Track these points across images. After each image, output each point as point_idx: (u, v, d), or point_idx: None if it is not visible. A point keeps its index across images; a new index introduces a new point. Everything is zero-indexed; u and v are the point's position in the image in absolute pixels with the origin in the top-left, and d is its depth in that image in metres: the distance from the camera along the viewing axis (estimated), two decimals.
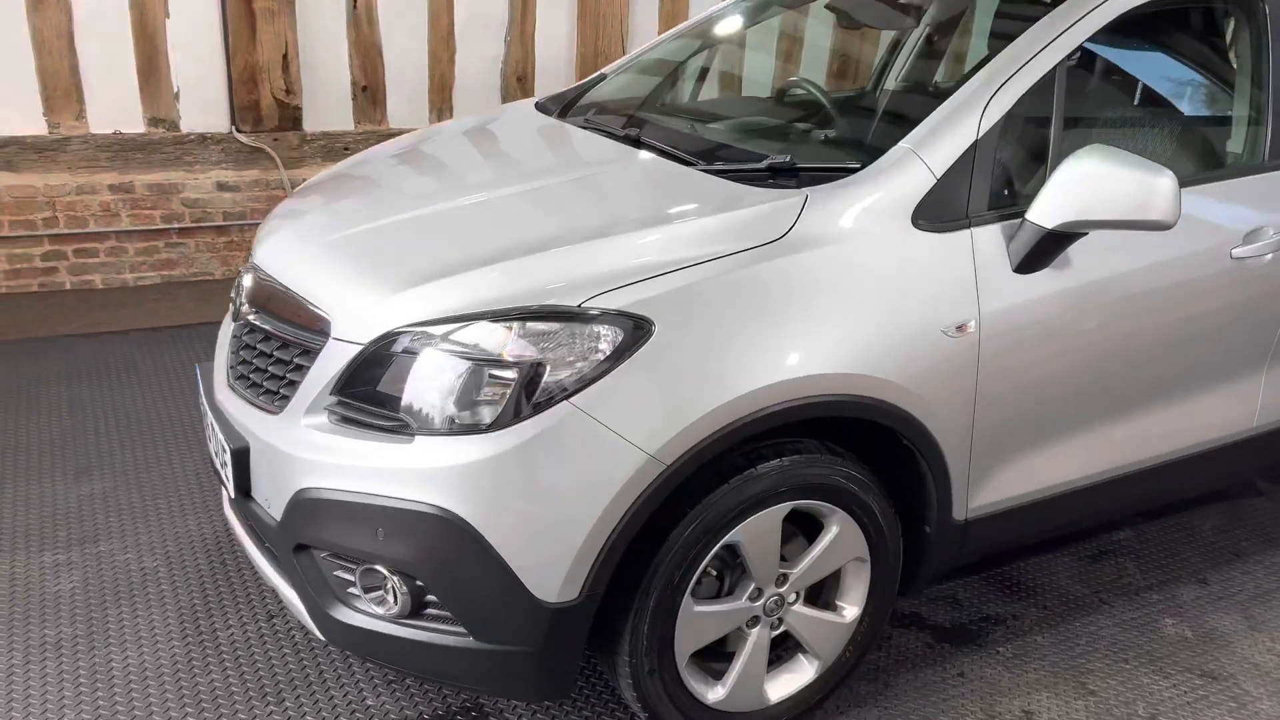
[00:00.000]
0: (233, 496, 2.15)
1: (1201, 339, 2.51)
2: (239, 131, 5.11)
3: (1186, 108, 2.74)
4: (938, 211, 2.14)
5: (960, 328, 2.12)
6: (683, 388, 1.87)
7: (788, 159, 2.24)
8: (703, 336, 1.89)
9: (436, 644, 1.93)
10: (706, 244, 1.98)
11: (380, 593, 1.96)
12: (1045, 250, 2.17)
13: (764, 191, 2.12)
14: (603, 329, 1.86)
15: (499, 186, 2.34)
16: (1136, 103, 2.70)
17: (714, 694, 2.14)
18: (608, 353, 1.85)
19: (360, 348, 1.93)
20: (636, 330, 1.86)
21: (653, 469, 1.84)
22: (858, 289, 2.03)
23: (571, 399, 1.82)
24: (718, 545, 2.00)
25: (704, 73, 3.33)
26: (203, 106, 5.06)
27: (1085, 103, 2.58)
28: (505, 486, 1.83)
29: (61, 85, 4.77)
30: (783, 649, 2.27)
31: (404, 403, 1.88)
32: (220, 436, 2.17)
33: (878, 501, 2.16)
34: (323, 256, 2.15)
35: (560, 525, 1.84)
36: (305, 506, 1.95)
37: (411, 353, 1.89)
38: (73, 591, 2.59)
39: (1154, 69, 2.61)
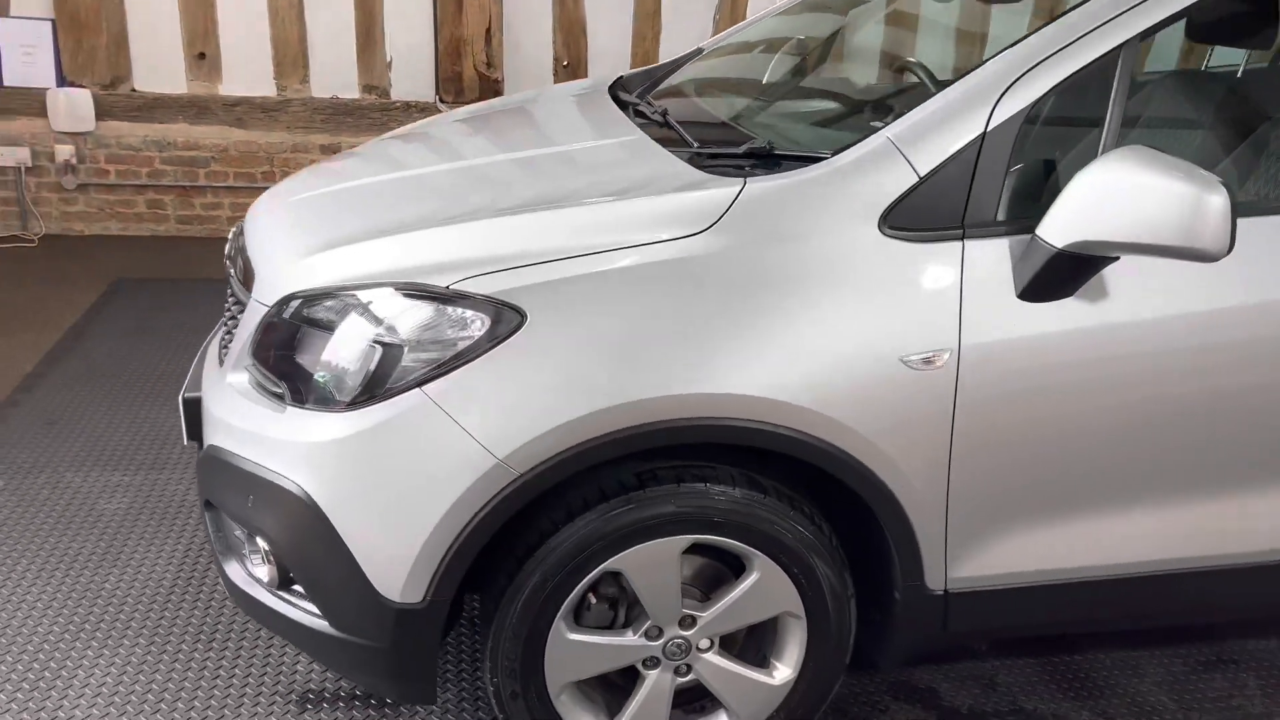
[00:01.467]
0: (185, 443, 2.21)
1: None
2: (441, 101, 5.33)
3: None
4: (921, 216, 1.77)
5: (929, 359, 1.74)
6: (546, 390, 1.67)
7: (767, 144, 1.95)
8: (580, 334, 1.68)
9: (301, 623, 1.88)
10: (615, 231, 1.76)
11: (260, 559, 1.94)
12: (1059, 275, 1.74)
13: (706, 178, 1.86)
14: (470, 315, 1.70)
15: (475, 157, 2.23)
16: (1230, 105, 2.10)
17: None
18: (472, 341, 1.69)
19: (266, 310, 1.90)
20: (504, 320, 1.69)
21: (502, 475, 1.67)
22: (788, 299, 1.72)
23: (425, 386, 1.69)
24: (596, 570, 1.79)
25: (811, 50, 3.01)
26: (411, 76, 5.33)
27: (1159, 99, 2.04)
28: (352, 471, 1.73)
29: (290, 52, 5.20)
30: (708, 700, 2.01)
31: (280, 371, 1.84)
32: (186, 382, 2.23)
33: (816, 550, 1.84)
34: (273, 217, 2.14)
35: (403, 521, 1.71)
36: (208, 463, 1.96)
37: (295, 320, 1.84)
38: (114, 512, 2.80)
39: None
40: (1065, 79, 1.79)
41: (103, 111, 5.08)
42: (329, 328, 1.78)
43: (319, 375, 1.77)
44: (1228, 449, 1.90)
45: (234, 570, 1.99)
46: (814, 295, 1.73)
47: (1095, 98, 1.83)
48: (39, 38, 5.00)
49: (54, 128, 5.04)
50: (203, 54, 5.14)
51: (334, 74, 5.27)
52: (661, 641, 1.89)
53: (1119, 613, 2.05)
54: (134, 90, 5.14)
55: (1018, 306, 1.77)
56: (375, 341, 1.72)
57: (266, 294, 1.92)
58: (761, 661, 1.98)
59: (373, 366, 1.72)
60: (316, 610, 1.85)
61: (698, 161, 1.97)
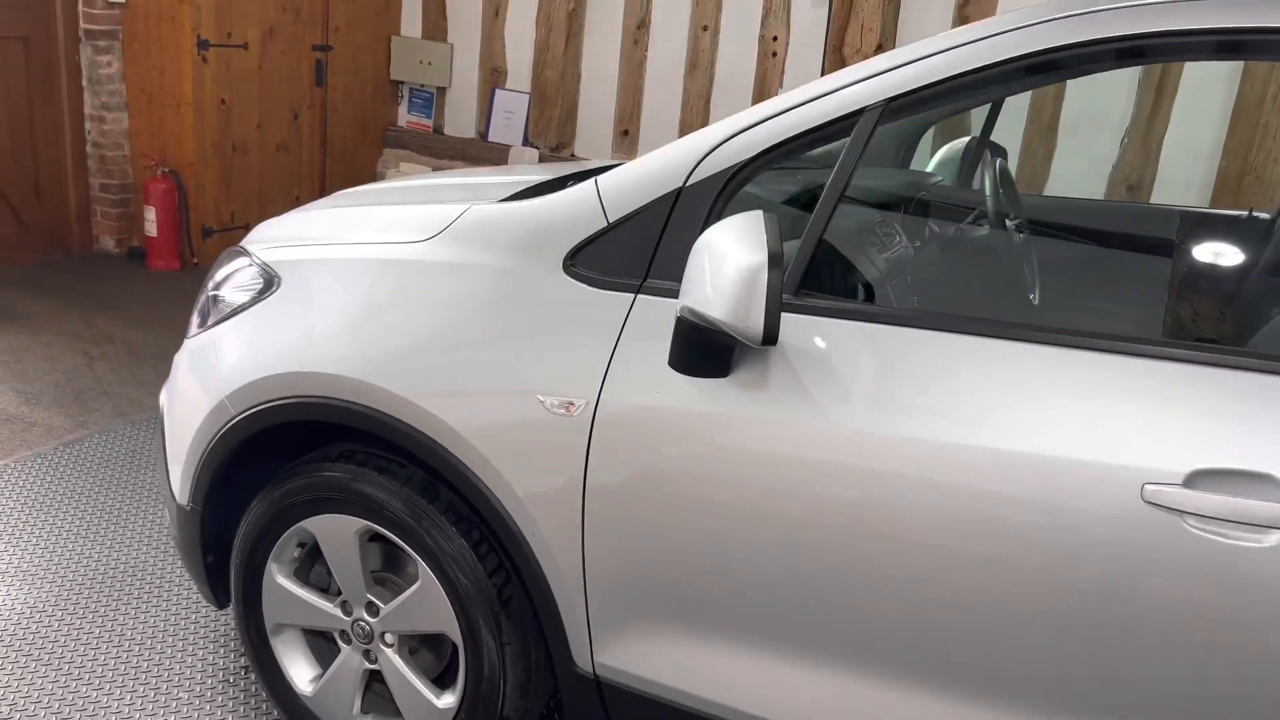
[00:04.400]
0: None
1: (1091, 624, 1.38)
2: None
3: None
4: (604, 263, 1.70)
5: (565, 405, 1.67)
6: (267, 345, 1.94)
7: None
8: (306, 306, 1.93)
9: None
10: (382, 230, 1.97)
11: None
12: (690, 346, 1.54)
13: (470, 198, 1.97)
14: (258, 276, 2.05)
15: (460, 179, 2.49)
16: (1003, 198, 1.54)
17: (302, 683, 2.10)
18: (252, 295, 2.03)
19: None
20: (270, 284, 2.00)
21: (224, 412, 1.98)
22: (461, 313, 1.77)
23: (218, 325, 2.07)
24: (295, 526, 1.99)
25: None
26: None
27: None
28: (174, 383, 2.17)
29: None
30: None
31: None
32: None
33: (473, 578, 1.82)
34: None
35: (180, 432, 2.10)
36: None
37: None
38: None
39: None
40: (783, 143, 1.59)
41: None
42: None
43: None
44: (909, 619, 1.47)
45: None
46: (484, 317, 1.76)
47: (827, 162, 1.59)
48: (517, 106, 6.26)
49: None
50: (626, 131, 5.98)
51: None
52: (351, 619, 2.01)
53: None
54: (572, 155, 6.14)
55: (667, 374, 1.60)
56: (210, 288, 2.16)
57: None
58: (443, 675, 1.98)
59: (203, 304, 2.15)
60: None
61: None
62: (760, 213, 1.45)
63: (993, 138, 4.35)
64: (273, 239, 2.14)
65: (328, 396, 1.85)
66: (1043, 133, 5.05)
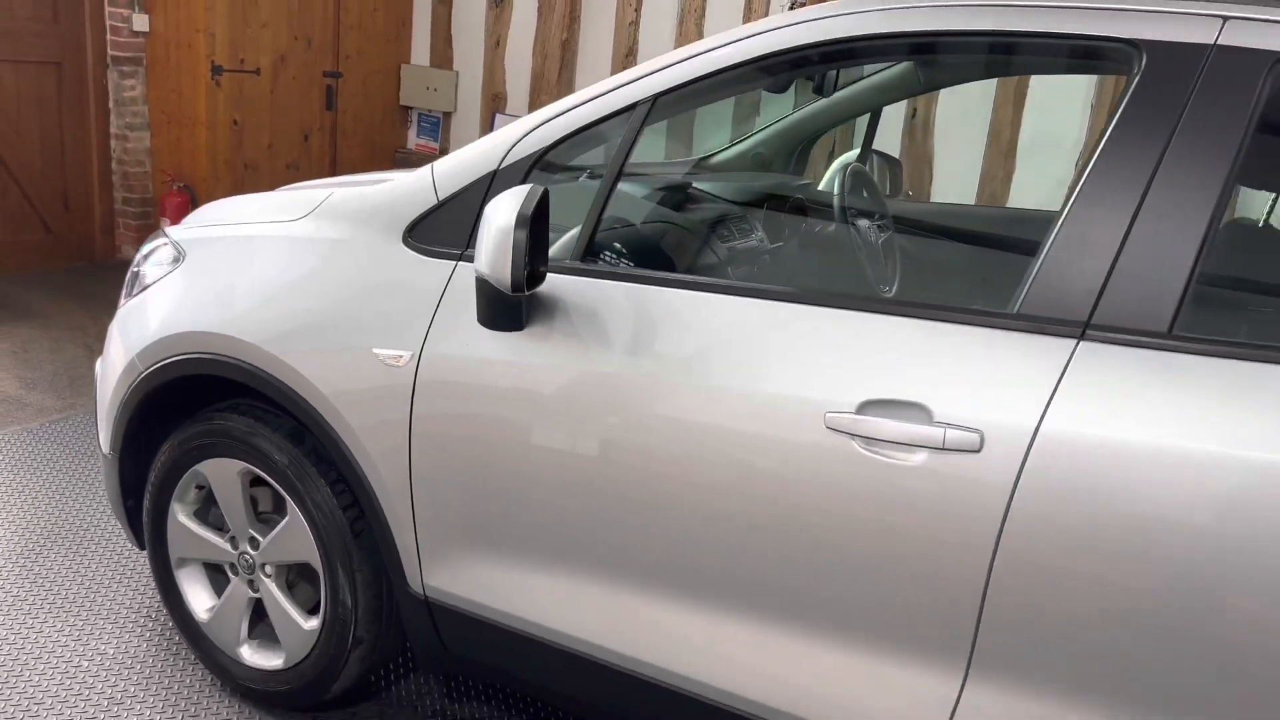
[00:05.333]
0: None
1: (780, 537, 1.61)
2: None
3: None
4: (434, 234, 1.98)
5: (394, 358, 1.94)
6: (166, 310, 2.24)
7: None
8: (198, 275, 2.23)
9: None
10: (273, 212, 2.27)
11: None
12: (488, 302, 1.79)
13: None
14: (171, 251, 2.36)
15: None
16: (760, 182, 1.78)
17: (201, 611, 2.37)
18: (164, 269, 2.34)
19: None
20: (176, 258, 2.31)
21: (134, 369, 2.28)
22: (316, 281, 2.05)
23: (139, 294, 2.37)
24: (190, 470, 2.27)
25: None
26: None
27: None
28: (107, 348, 2.48)
29: None
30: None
31: None
32: None
33: (332, 515, 2.09)
34: None
35: (107, 387, 2.41)
36: None
37: None
38: None
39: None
40: (574, 133, 1.87)
41: None
42: None
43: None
44: (668, 537, 1.72)
45: None
46: (336, 282, 2.04)
47: (606, 152, 1.85)
48: None
49: None
50: None
51: None
52: (237, 553, 2.28)
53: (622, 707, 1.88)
54: None
55: (476, 329, 1.87)
56: (139, 261, 2.47)
57: None
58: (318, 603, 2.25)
59: (130, 277, 2.47)
60: None
61: None
62: (530, 186, 1.71)
63: (957, 159, 4.52)
64: (195, 221, 2.45)
65: (212, 353, 2.14)
66: (1002, 156, 5.24)
